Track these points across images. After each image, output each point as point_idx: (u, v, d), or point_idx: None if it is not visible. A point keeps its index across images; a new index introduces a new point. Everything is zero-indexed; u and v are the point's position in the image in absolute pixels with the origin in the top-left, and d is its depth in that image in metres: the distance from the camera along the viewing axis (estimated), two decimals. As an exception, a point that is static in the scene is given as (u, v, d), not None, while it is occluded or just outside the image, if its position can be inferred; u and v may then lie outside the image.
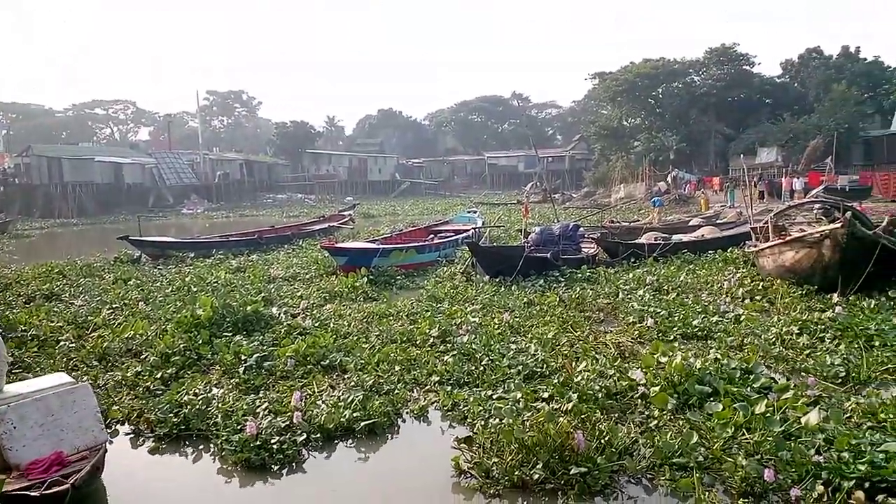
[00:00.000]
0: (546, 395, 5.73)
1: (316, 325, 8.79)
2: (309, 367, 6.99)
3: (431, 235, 18.81)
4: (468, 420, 5.50)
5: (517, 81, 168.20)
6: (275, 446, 5.05)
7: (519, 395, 5.66)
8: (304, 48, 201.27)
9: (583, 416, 5.15)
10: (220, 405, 5.82)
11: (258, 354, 7.16)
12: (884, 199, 26.79)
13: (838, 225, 9.26)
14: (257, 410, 5.67)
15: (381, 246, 14.67)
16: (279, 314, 9.44)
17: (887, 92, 50.10)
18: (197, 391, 6.23)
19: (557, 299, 10.14)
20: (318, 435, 5.36)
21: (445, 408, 5.87)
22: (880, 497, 3.78)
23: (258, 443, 5.05)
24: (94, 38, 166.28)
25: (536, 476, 4.36)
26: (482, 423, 5.20)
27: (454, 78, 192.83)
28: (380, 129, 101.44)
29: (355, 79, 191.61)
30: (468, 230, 19.50)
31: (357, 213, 35.40)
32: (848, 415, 5.13)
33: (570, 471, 4.34)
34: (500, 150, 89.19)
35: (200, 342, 7.72)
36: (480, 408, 5.56)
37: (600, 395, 5.63)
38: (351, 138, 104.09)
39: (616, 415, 5.41)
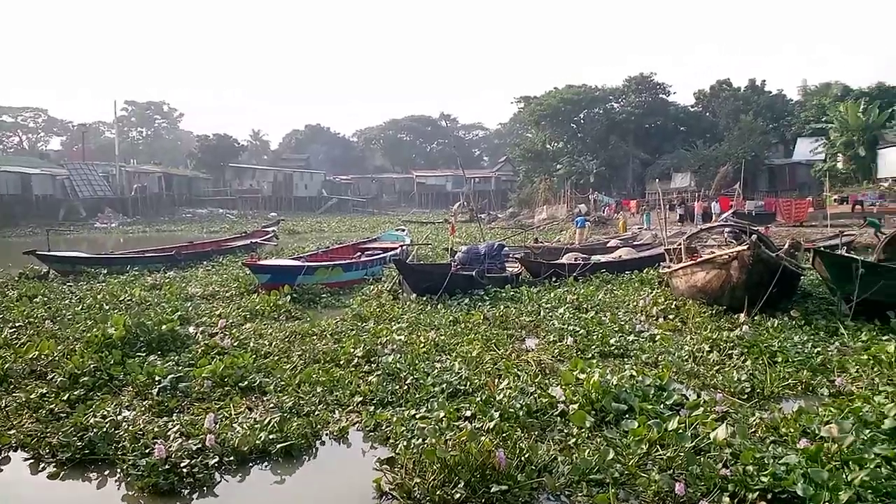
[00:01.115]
0: (469, 413, 5.77)
1: (235, 344, 8.53)
2: (227, 388, 6.76)
3: (359, 253, 18.69)
4: (391, 440, 5.45)
5: (446, 102, 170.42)
6: (185, 470, 4.85)
7: (442, 414, 5.67)
8: (230, 59, 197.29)
9: (504, 435, 5.21)
10: (129, 428, 5.56)
11: (173, 375, 6.87)
12: (786, 223, 28.53)
13: (745, 248, 9.81)
14: (168, 433, 5.44)
15: (306, 263, 14.44)
16: (196, 333, 9.12)
17: (789, 123, 53.72)
18: (105, 413, 5.92)
19: (482, 317, 10.26)
20: (232, 458, 5.17)
21: (368, 428, 5.81)
22: (781, 507, 3.99)
23: (167, 466, 4.83)
24: (2, 40, 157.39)
25: (458, 495, 4.37)
26: (405, 443, 5.17)
27: (383, 96, 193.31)
28: (307, 145, 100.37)
29: (282, 92, 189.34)
30: (396, 248, 19.46)
31: (281, 229, 34.76)
32: (753, 429, 5.39)
33: (490, 489, 4.37)
34: (428, 169, 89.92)
35: (112, 362, 7.34)
36: (403, 428, 5.52)
37: (521, 412, 5.71)
38: (277, 153, 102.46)
39: (536, 432, 5.49)
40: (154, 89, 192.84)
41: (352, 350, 8.05)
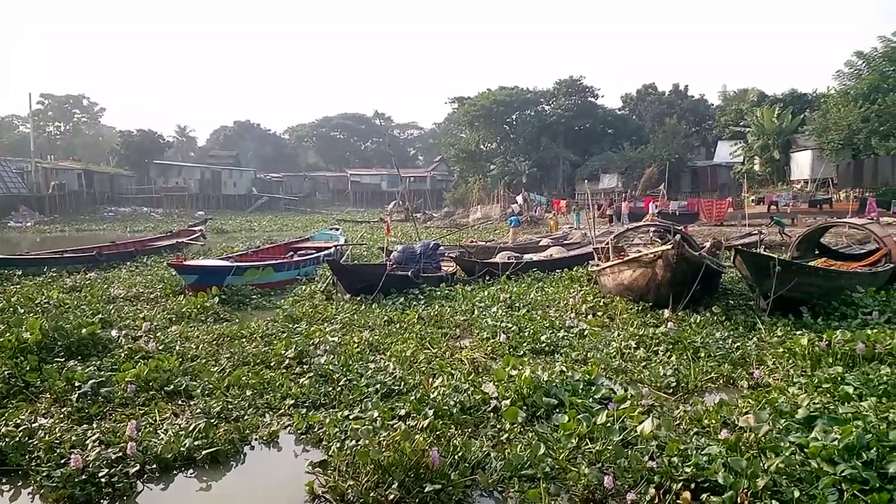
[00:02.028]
0: (403, 412, 5.76)
1: (160, 348, 8.23)
2: (151, 392, 6.52)
3: (291, 253, 18.37)
4: (324, 443, 5.39)
5: (380, 101, 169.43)
6: (103, 480, 4.64)
7: (376, 414, 5.63)
8: (156, 53, 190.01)
9: (438, 433, 5.22)
10: (45, 437, 5.27)
11: (94, 380, 6.56)
12: (707, 223, 29.77)
13: (669, 247, 10.17)
14: (87, 442, 5.20)
15: (236, 264, 14.09)
16: (119, 337, 8.76)
17: (710, 126, 56.12)
18: (19, 422, 5.61)
19: (417, 317, 10.26)
20: (155, 466, 4.99)
21: (300, 431, 5.71)
22: (704, 496, 4.13)
23: (84, 477, 4.61)
24: None
25: (392, 496, 4.35)
26: (338, 445, 5.11)
27: (316, 93, 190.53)
28: (236, 141, 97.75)
29: (211, 87, 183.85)
30: (330, 248, 19.23)
31: (209, 228, 33.82)
32: (677, 422, 5.59)
33: (424, 489, 4.37)
34: (363, 167, 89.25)
35: (27, 368, 6.95)
36: (336, 429, 5.46)
37: (455, 410, 5.74)
38: (204, 149, 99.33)
39: (470, 429, 5.54)
40: (73, 82, 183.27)
41: (283, 352, 7.91)
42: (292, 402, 6.36)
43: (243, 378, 6.92)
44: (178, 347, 8.35)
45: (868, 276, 11.83)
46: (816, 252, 15.79)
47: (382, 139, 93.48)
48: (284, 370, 7.42)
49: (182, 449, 5.15)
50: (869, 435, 4.59)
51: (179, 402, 6.38)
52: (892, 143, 34.62)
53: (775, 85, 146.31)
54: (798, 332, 8.47)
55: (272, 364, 7.64)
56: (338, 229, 27.24)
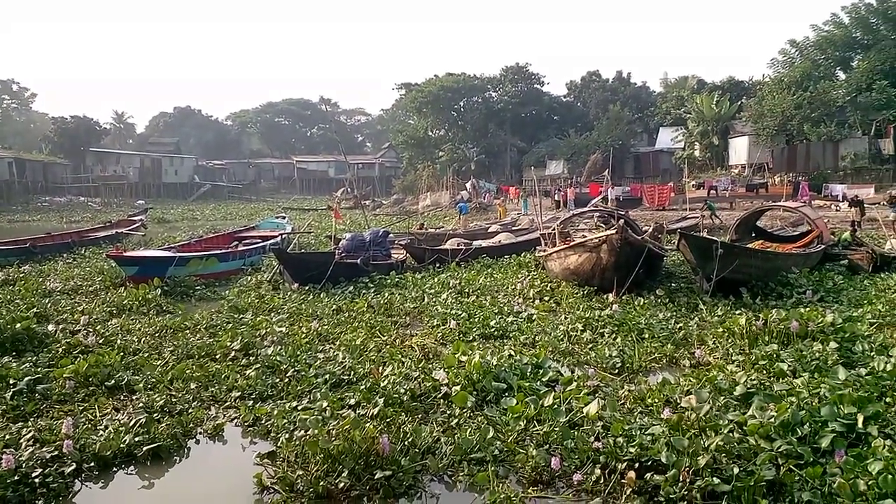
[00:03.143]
0: (353, 401, 5.73)
1: (100, 342, 7.97)
2: (91, 388, 6.32)
3: (235, 242, 18.01)
4: (272, 434, 5.32)
5: (326, 86, 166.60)
6: (37, 480, 4.47)
7: (325, 404, 5.58)
8: (88, 35, 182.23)
9: (389, 420, 5.22)
10: (-26, 438, 5.04)
11: (30, 377, 6.32)
12: (650, 207, 30.52)
13: (613, 231, 10.37)
14: (21, 441, 5.00)
15: (178, 254, 13.74)
16: (56, 331, 8.46)
17: (652, 113, 57.31)
18: (-53, 423, 5.35)
19: (366, 305, 10.21)
20: (93, 464, 4.83)
21: (247, 423, 5.62)
22: (648, 475, 4.24)
23: (16, 478, 4.43)
24: None
25: (342, 484, 4.33)
26: (287, 436, 5.05)
27: (259, 78, 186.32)
28: (177, 128, 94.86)
29: (149, 71, 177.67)
30: (276, 236, 18.93)
31: (150, 218, 32.84)
32: (622, 402, 5.73)
33: (375, 475, 4.37)
34: (309, 154, 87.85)
35: (-44, 367, 6.63)
36: (285, 420, 5.39)
37: (405, 397, 5.75)
38: (143, 137, 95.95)
39: (420, 416, 5.56)
40: (1, 67, 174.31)
41: (228, 343, 7.76)
42: (239, 394, 6.25)
43: (187, 371, 6.78)
44: (118, 341, 8.10)
45: (802, 257, 12.37)
46: (753, 235, 16.41)
47: (329, 125, 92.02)
48: (230, 362, 7.29)
49: (122, 446, 5.00)
50: (802, 411, 4.80)
51: (121, 398, 6.20)
52: (823, 129, 36.12)
53: (714, 72, 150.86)
54: (737, 312, 8.78)
55: (217, 356, 7.50)
56: (284, 217, 26.84)
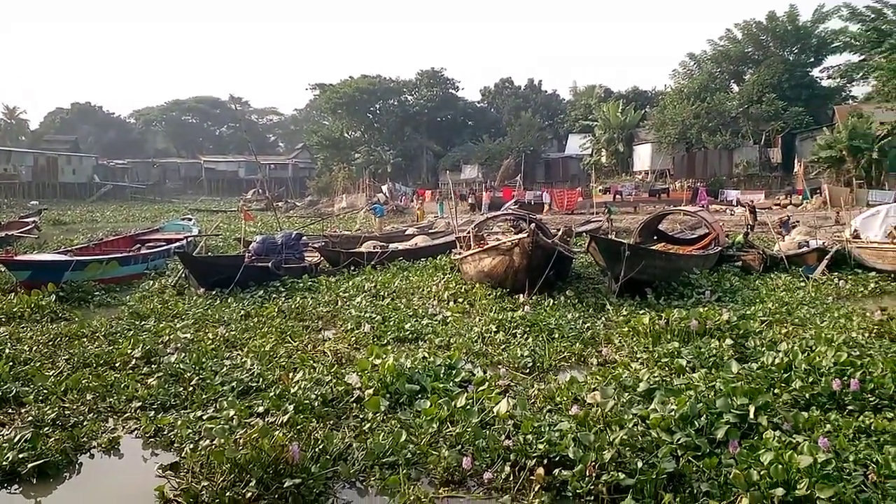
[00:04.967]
0: (261, 409, 5.57)
1: (-16, 352, 7.39)
2: (-27, 402, 5.84)
3: (138, 245, 17.13)
4: (175, 445, 5.09)
5: (236, 84, 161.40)
6: None
7: (232, 412, 5.39)
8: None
9: (299, 427, 5.11)
10: None
11: None
12: (559, 211, 31.42)
13: (525, 235, 10.60)
14: None
15: (75, 258, 12.94)
16: (-66, 342, 7.77)
17: (562, 120, 59.21)
18: None
19: (277, 310, 9.96)
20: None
21: (148, 435, 5.36)
22: (556, 471, 4.34)
23: None
24: None
25: (249, 494, 4.20)
26: (191, 446, 4.86)
27: (165, 74, 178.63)
28: (74, 125, 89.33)
29: (43, 65, 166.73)
30: (181, 239, 18.17)
31: (44, 219, 30.82)
32: (532, 400, 5.86)
33: (284, 484, 4.26)
34: (218, 154, 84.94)
35: None
36: (189, 430, 5.18)
37: (317, 403, 5.64)
38: (38, 134, 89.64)
39: (332, 421, 5.47)
40: None
41: (129, 351, 7.39)
42: (139, 404, 5.96)
43: (83, 381, 6.41)
44: (7, 350, 7.56)
45: (701, 259, 13.08)
46: (655, 238, 17.18)
47: (239, 124, 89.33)
48: (130, 371, 6.94)
49: (3, 463, 4.65)
50: (700, 404, 5.06)
51: (8, 411, 5.79)
52: (719, 138, 38.44)
53: (620, 82, 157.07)
54: (641, 312, 9.16)
55: (117, 365, 7.14)
56: (190, 219, 25.81)
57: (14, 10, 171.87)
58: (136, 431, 5.48)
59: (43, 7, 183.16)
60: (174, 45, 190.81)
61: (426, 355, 7.06)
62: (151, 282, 13.07)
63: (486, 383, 6.16)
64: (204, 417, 5.52)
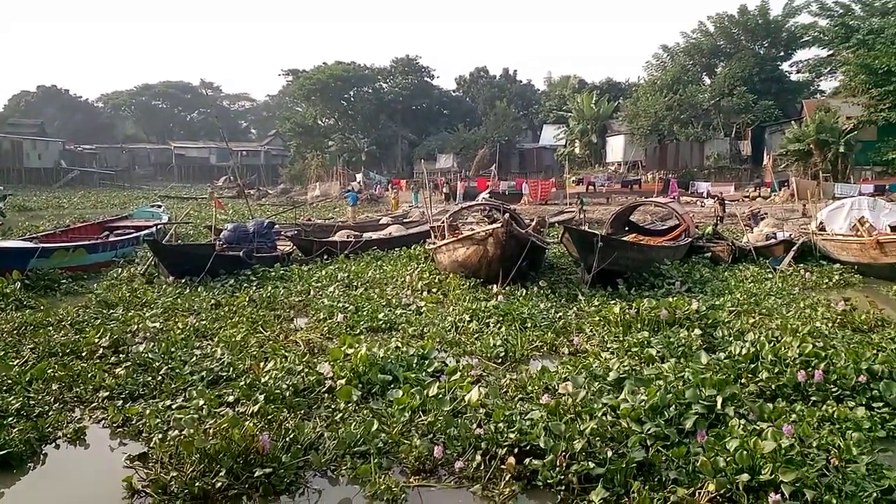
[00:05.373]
0: (231, 399, 5.52)
1: (-56, 342, 7.21)
2: (-68, 394, 5.69)
3: (106, 232, 16.83)
4: (143, 435, 5.03)
5: (207, 69, 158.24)
6: None
7: (202, 402, 5.34)
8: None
9: (269, 417, 5.08)
10: None
11: None
12: (533, 202, 31.54)
13: (499, 225, 10.63)
14: None
15: (41, 245, 12.64)
16: None
17: (537, 111, 59.34)
18: None
19: (248, 299, 9.86)
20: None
21: (115, 425, 5.28)
22: (527, 460, 4.38)
23: None
24: None
25: (219, 484, 4.17)
26: (160, 436, 4.80)
27: (134, 57, 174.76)
28: (40, 109, 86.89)
29: (6, 45, 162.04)
30: (151, 227, 17.88)
31: (8, 205, 30.09)
32: (504, 390, 5.88)
33: (254, 473, 4.24)
34: (188, 140, 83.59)
35: None
36: (158, 420, 5.12)
37: (288, 393, 5.60)
38: (2, 116, 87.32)
39: (303, 411, 5.44)
40: None
41: (96, 340, 7.25)
42: (107, 394, 5.87)
43: (49, 371, 6.28)
44: (-33, 341, 7.35)
45: (672, 250, 13.27)
46: (627, 228, 17.37)
47: (210, 110, 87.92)
48: (98, 360, 6.81)
49: (-38, 457, 4.55)
50: (669, 394, 5.14)
51: (-30, 403, 5.62)
52: (691, 131, 38.87)
53: (594, 73, 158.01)
54: (612, 302, 9.25)
55: (84, 354, 7.00)
56: (160, 206, 25.41)
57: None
58: (103, 421, 5.40)
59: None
60: (144, 28, 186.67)
61: (399, 345, 7.05)
62: (120, 270, 12.84)
63: (459, 373, 6.18)
64: (173, 407, 5.46)
